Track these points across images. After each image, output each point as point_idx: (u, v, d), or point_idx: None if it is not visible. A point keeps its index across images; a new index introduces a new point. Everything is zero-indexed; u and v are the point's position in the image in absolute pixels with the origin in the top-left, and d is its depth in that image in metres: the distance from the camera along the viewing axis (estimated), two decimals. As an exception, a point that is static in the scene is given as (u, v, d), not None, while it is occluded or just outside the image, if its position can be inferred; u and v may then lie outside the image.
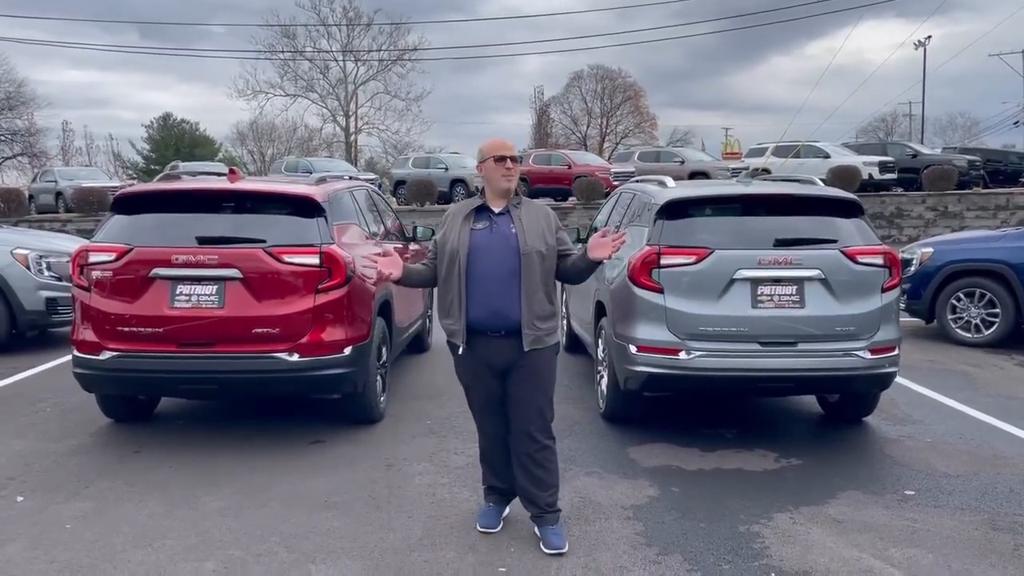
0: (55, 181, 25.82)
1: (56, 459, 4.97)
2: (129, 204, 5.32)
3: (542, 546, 3.73)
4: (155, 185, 5.78)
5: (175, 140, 57.92)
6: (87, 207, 21.21)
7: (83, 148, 55.11)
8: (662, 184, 5.84)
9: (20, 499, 4.35)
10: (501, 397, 3.78)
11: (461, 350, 3.72)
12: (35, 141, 44.70)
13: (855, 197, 5.48)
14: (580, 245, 4.14)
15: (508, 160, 3.66)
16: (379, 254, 3.80)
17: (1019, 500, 4.34)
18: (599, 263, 3.70)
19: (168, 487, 4.50)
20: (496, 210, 3.72)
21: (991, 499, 4.35)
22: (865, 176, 22.21)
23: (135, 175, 52.89)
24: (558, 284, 3.83)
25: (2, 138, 43.74)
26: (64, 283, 7.82)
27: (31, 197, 25.55)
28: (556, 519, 3.82)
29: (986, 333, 8.43)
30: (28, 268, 8.16)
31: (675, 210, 5.23)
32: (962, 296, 8.56)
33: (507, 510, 4.01)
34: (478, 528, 3.92)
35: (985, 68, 77.92)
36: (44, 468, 4.82)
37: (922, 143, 37.01)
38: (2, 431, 5.55)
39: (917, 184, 22.97)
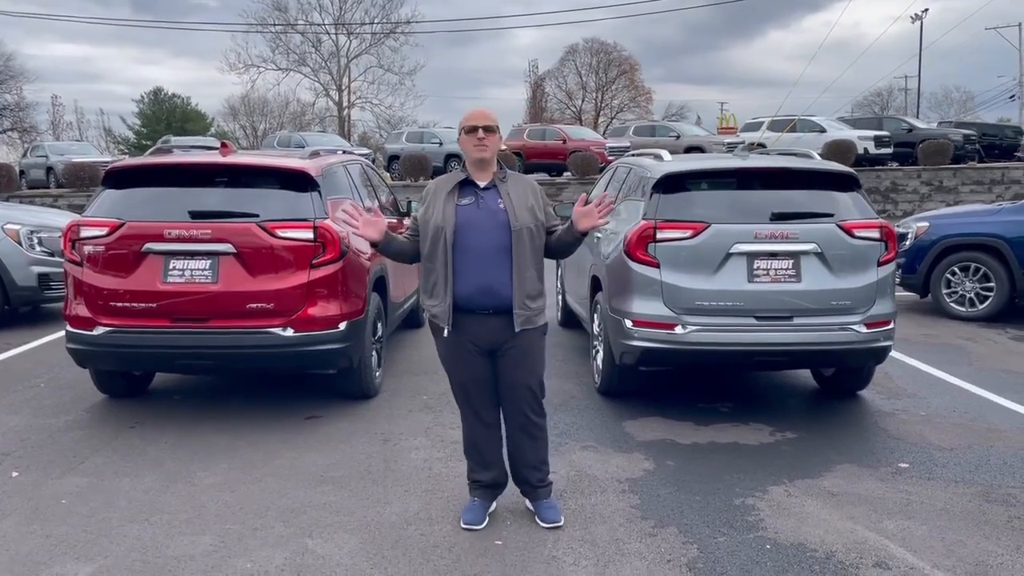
0: (46, 156, 25.61)
1: (51, 434, 4.96)
2: (121, 178, 5.26)
3: (538, 520, 3.73)
4: (147, 159, 5.71)
5: (166, 115, 57.47)
6: (78, 182, 21.11)
7: (73, 123, 54.65)
8: (658, 158, 5.80)
9: (15, 474, 4.34)
10: (488, 378, 3.66)
11: (446, 332, 3.57)
12: (25, 116, 44.37)
13: (852, 171, 5.46)
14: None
15: (480, 131, 3.52)
16: (367, 209, 3.64)
17: (1012, 472, 4.36)
18: (585, 235, 3.59)
19: (164, 462, 4.50)
20: (482, 184, 3.59)
21: (985, 471, 4.38)
22: (860, 150, 22.16)
23: (126, 150, 52.50)
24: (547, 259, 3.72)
25: (-9, 113, 43.41)
26: (56, 258, 7.76)
27: (22, 172, 25.39)
28: (549, 493, 3.81)
29: (980, 307, 8.45)
30: (19, 243, 8.10)
31: (671, 184, 5.20)
32: (957, 270, 8.58)
33: (493, 505, 3.82)
34: (462, 525, 3.68)
35: (982, 41, 77.63)
36: (39, 443, 4.81)
37: (918, 117, 36.93)
38: (-4, 407, 5.54)
39: (912, 158, 22.95)
